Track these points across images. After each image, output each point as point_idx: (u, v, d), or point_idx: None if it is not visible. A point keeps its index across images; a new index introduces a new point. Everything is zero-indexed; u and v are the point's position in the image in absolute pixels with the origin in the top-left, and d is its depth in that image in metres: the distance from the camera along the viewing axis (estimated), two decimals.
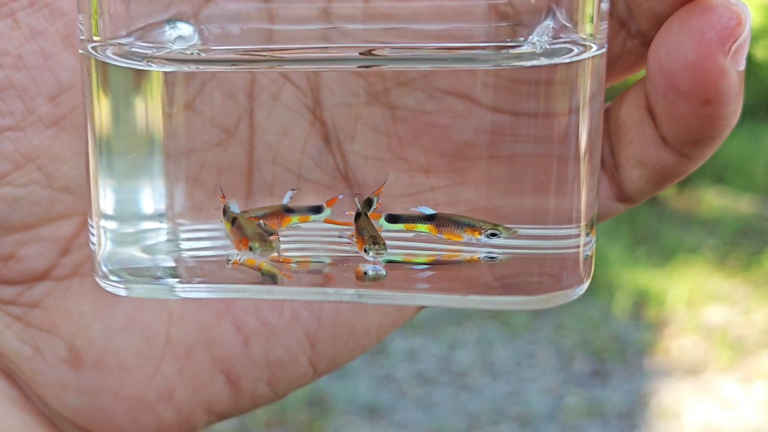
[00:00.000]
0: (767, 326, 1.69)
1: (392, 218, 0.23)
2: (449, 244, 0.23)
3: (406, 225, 0.23)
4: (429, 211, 0.23)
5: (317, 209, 0.24)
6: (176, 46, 0.22)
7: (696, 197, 2.22)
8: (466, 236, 0.23)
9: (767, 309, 1.75)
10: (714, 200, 2.21)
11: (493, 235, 0.23)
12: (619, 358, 1.61)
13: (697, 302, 1.77)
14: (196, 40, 0.23)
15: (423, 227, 0.23)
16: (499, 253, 0.23)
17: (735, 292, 1.81)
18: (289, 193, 0.24)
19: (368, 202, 0.23)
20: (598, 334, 1.67)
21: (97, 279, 0.24)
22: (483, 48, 0.22)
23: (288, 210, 0.24)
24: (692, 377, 1.56)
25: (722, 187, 2.26)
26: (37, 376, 0.26)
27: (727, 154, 2.37)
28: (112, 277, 0.24)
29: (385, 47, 0.23)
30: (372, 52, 0.22)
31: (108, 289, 0.24)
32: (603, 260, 1.86)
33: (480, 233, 0.23)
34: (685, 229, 2.06)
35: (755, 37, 2.89)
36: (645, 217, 2.09)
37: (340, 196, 0.24)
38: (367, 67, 0.23)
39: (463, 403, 1.49)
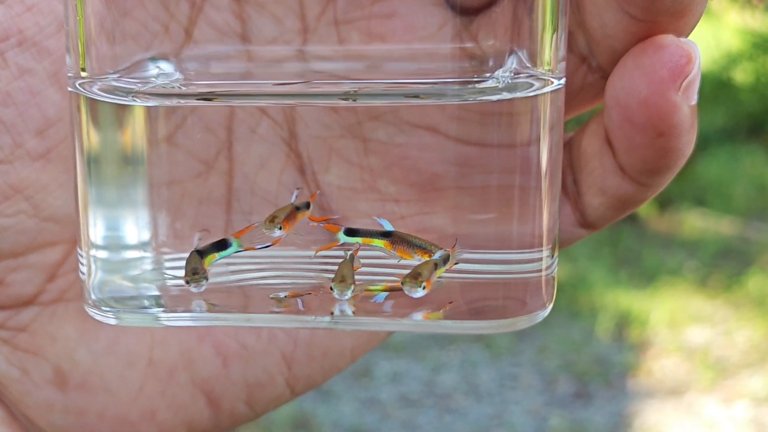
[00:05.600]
0: (748, 347, 1.70)
1: (351, 232, 0.24)
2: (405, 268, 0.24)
3: (364, 239, 0.24)
4: (388, 226, 0.24)
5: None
6: (160, 81, 0.24)
7: (677, 219, 2.23)
8: (417, 257, 0.24)
9: (748, 330, 1.75)
10: (695, 222, 2.22)
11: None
12: (602, 379, 1.61)
13: (679, 323, 1.78)
14: (177, 76, 0.24)
15: (379, 242, 0.24)
16: (449, 277, 0.24)
17: (716, 313, 1.82)
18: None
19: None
20: (580, 355, 1.68)
21: (87, 308, 0.25)
22: (450, 83, 0.24)
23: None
24: (674, 398, 1.56)
25: (703, 209, 2.27)
26: (24, 397, 0.27)
27: (707, 176, 2.38)
28: (101, 306, 0.24)
29: (359, 84, 0.24)
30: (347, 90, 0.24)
31: (97, 318, 0.25)
32: (585, 282, 1.86)
33: (429, 256, 0.24)
34: (667, 251, 2.07)
35: (734, 61, 2.91)
36: (626, 239, 2.09)
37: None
38: (345, 99, 0.24)
39: (448, 425, 1.49)
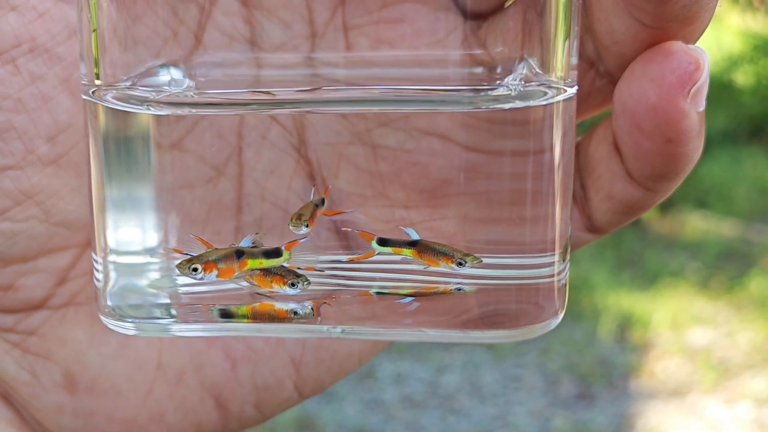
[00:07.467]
0: (750, 348, 1.70)
1: (383, 242, 0.25)
2: (428, 274, 0.24)
3: (394, 249, 0.25)
4: (414, 236, 0.24)
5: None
6: (172, 89, 0.24)
7: (679, 221, 2.23)
8: (442, 264, 0.24)
9: (750, 331, 1.76)
10: (697, 224, 2.22)
11: (460, 264, 0.24)
12: (605, 380, 1.61)
13: (681, 325, 1.78)
14: (187, 83, 0.24)
15: (407, 252, 0.24)
16: (469, 284, 0.24)
17: (718, 314, 1.82)
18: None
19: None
20: (583, 357, 1.68)
21: (103, 317, 0.25)
22: (462, 91, 0.24)
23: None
24: (677, 399, 1.56)
25: (705, 211, 2.27)
26: (34, 400, 0.27)
27: (709, 178, 2.38)
28: (118, 314, 0.24)
29: (370, 90, 0.24)
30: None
31: (110, 327, 0.25)
32: (588, 284, 1.86)
33: (452, 261, 0.24)
34: (669, 253, 2.07)
35: (735, 63, 2.91)
36: (629, 241, 2.09)
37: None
38: (355, 105, 0.24)
39: (451, 426, 1.49)
